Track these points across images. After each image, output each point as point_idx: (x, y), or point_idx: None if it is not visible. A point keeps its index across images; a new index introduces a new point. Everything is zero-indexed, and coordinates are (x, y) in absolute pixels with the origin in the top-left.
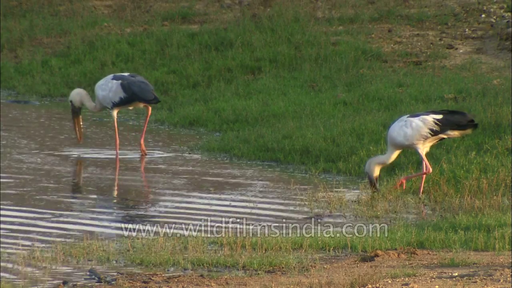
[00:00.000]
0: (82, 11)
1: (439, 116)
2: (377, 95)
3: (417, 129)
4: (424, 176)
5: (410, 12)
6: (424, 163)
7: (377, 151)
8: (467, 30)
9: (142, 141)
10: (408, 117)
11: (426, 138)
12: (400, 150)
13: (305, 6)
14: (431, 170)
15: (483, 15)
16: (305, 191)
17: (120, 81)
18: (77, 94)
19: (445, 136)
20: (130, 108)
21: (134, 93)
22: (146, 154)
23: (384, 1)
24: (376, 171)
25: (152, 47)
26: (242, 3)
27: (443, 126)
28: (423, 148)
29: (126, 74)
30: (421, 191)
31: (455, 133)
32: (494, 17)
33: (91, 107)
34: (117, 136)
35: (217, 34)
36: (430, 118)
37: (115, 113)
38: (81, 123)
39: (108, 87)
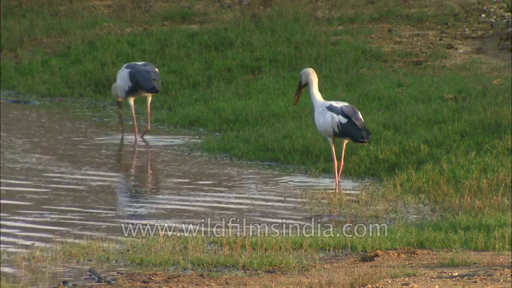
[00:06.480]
0: (82, 11)
1: (344, 120)
2: (377, 95)
3: (326, 123)
4: (336, 166)
5: (410, 12)
6: (332, 157)
7: (377, 150)
8: (467, 30)
9: (148, 125)
10: (326, 107)
11: (330, 136)
12: None
13: (305, 6)
14: (336, 163)
15: (483, 15)
16: (305, 191)
17: (129, 70)
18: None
19: (346, 140)
20: (140, 96)
21: (137, 82)
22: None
23: (384, 1)
24: None
25: (152, 47)
26: (242, 3)
27: (342, 131)
28: (333, 142)
29: (139, 63)
30: (337, 180)
31: (346, 139)
32: (494, 17)
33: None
34: (135, 124)
35: (217, 34)
36: (336, 119)
37: (131, 101)
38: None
39: (121, 75)
